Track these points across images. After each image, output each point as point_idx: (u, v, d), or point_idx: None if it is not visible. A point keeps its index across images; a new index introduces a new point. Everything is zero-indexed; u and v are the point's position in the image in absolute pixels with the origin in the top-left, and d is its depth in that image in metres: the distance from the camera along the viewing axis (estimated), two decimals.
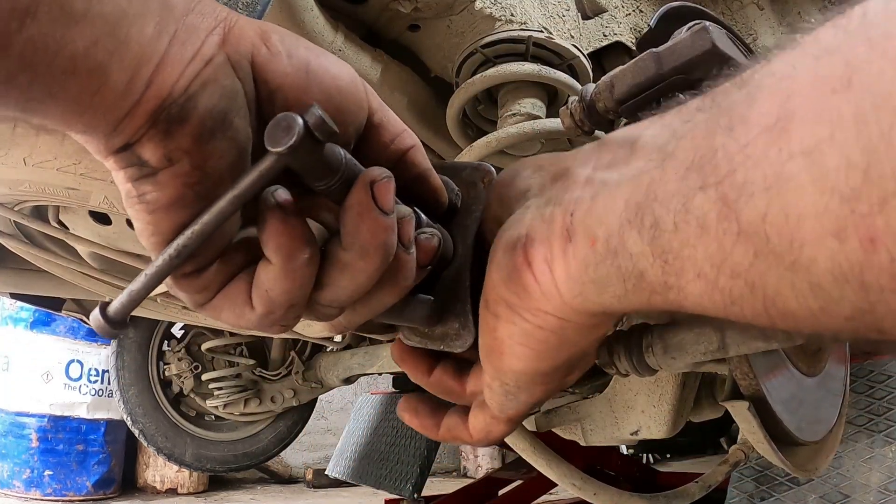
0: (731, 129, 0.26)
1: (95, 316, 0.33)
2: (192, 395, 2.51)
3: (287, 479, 5.35)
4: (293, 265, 0.36)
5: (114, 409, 3.88)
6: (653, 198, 0.29)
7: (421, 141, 1.42)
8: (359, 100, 0.40)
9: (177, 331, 2.53)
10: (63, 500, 3.93)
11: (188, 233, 0.34)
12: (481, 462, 5.62)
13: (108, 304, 0.33)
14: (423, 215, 0.43)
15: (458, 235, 0.45)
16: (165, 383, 2.53)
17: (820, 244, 0.23)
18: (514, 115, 1.10)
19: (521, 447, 0.70)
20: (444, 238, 0.43)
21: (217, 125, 0.35)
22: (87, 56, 0.31)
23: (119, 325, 0.33)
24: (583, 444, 0.90)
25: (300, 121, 0.31)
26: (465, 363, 0.47)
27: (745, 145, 0.25)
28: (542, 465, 0.70)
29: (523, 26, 1.08)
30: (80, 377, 4.01)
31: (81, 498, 4.00)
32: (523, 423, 0.88)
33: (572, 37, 1.15)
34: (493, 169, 0.47)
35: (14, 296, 1.93)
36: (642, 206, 0.30)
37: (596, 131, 0.63)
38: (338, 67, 0.40)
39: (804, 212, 0.23)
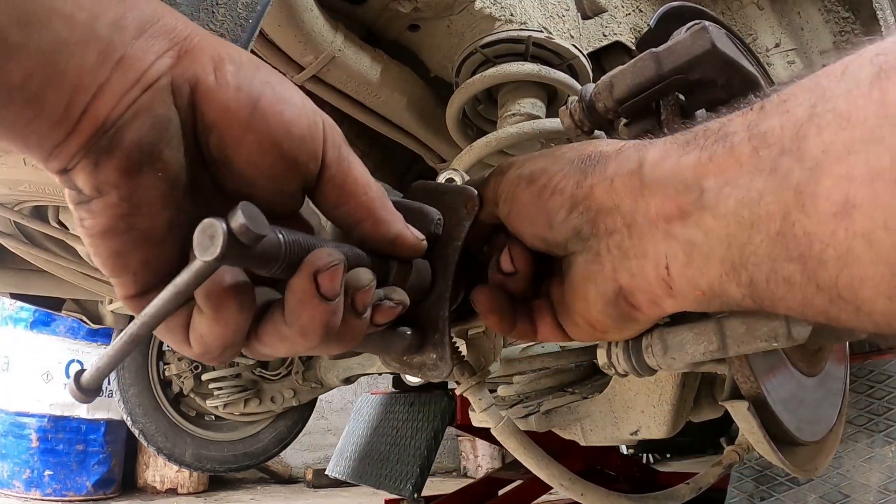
0: (803, 207, 0.32)
1: (70, 384, 0.34)
2: (192, 395, 2.51)
3: (287, 479, 5.35)
4: (223, 315, 0.35)
5: (114, 409, 3.88)
6: (746, 262, 0.36)
7: (421, 141, 1.41)
8: (311, 151, 0.37)
9: None
10: (63, 500, 3.93)
11: (138, 322, 0.33)
12: (481, 462, 5.61)
13: (81, 372, 0.34)
14: (392, 268, 0.41)
15: (438, 265, 0.44)
16: (165, 383, 2.53)
17: (876, 301, 0.31)
18: (513, 114, 1.10)
19: (512, 446, 0.70)
20: (420, 271, 0.42)
21: (145, 158, 0.33)
22: (22, 87, 0.30)
23: (92, 394, 0.34)
24: (582, 443, 0.90)
25: (222, 230, 0.30)
26: (530, 313, 0.50)
27: (819, 224, 0.32)
28: (532, 464, 0.70)
29: (523, 26, 1.08)
30: None
31: (81, 498, 4.00)
32: (516, 423, 0.87)
33: (572, 37, 1.15)
34: (476, 194, 0.46)
35: (14, 296, 1.93)
36: (738, 267, 0.36)
37: (595, 131, 0.63)
38: (294, 113, 0.36)
39: (865, 278, 0.31)
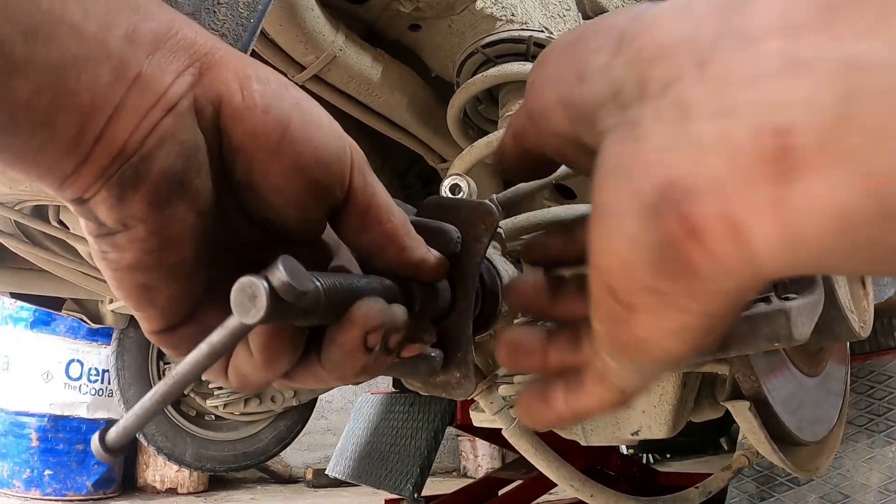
0: None
1: (95, 443, 0.32)
2: (192, 395, 2.51)
3: (287, 479, 5.35)
4: (274, 363, 0.34)
5: (114, 409, 3.88)
6: None
7: (422, 140, 1.42)
8: (339, 177, 0.34)
9: None
10: (63, 500, 3.93)
11: (169, 381, 0.31)
12: (481, 462, 5.62)
13: (107, 430, 0.32)
14: (416, 294, 0.39)
15: (457, 283, 0.43)
16: None
17: None
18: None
19: (524, 447, 0.70)
20: (442, 291, 0.41)
21: (174, 189, 0.31)
22: (29, 107, 0.28)
23: (118, 453, 0.32)
24: (583, 444, 0.90)
25: (265, 290, 0.28)
26: (575, 335, 0.38)
27: None
28: (543, 465, 0.70)
29: (524, 26, 1.08)
30: (81, 377, 4.02)
31: (81, 498, 4.01)
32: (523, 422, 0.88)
33: None
34: (495, 210, 0.44)
35: (14, 296, 1.93)
36: None
37: None
38: (324, 135, 0.34)
39: None
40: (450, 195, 0.52)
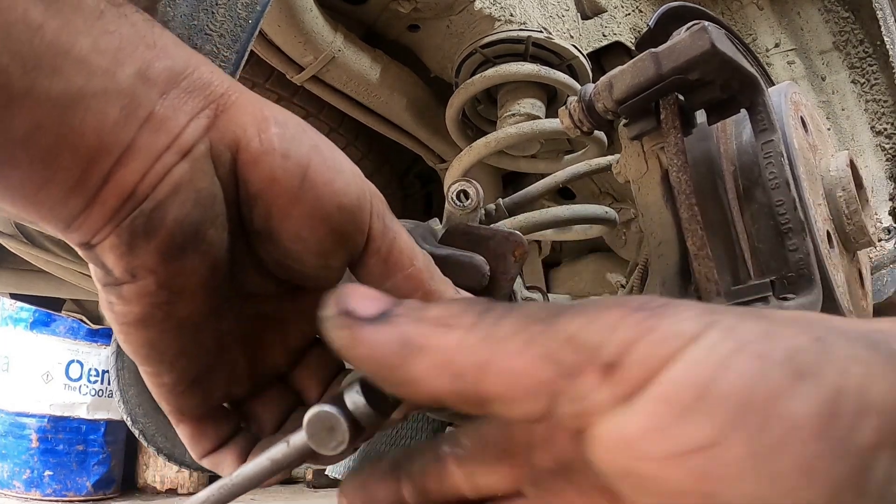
0: None
1: None
2: None
3: (287, 479, 5.35)
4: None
5: (114, 410, 3.88)
6: None
7: (421, 141, 1.41)
8: (360, 223, 0.32)
9: None
10: (63, 501, 3.93)
11: (222, 490, 0.29)
12: None
13: None
14: None
15: None
16: None
17: None
18: (513, 115, 1.10)
19: None
20: None
21: (188, 240, 0.29)
22: (27, 143, 0.26)
23: None
24: None
25: (344, 424, 0.26)
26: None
27: None
28: None
29: (523, 26, 1.08)
30: (80, 377, 4.01)
31: (81, 498, 4.00)
32: None
33: (572, 37, 1.15)
34: (525, 240, 0.43)
35: (14, 296, 1.93)
36: None
37: (595, 131, 0.63)
38: (344, 180, 0.32)
39: None
40: (457, 202, 0.51)
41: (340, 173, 0.32)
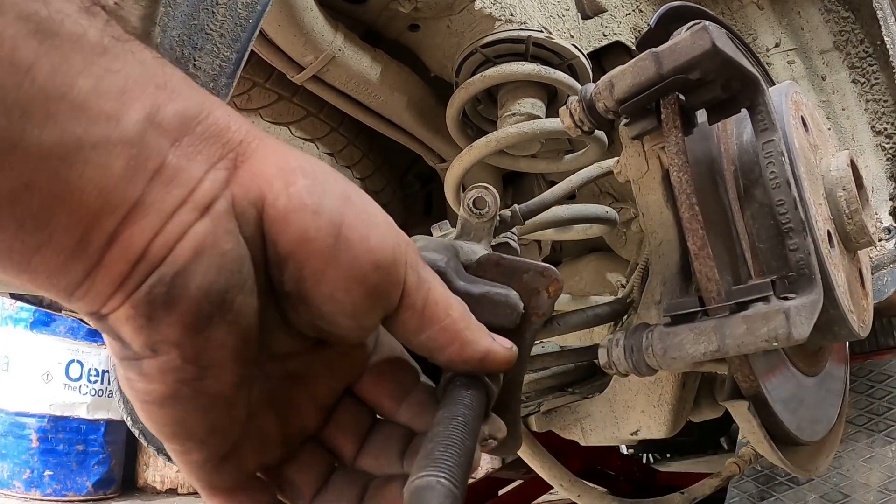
0: None
1: None
2: None
3: None
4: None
5: (114, 410, 3.88)
6: None
7: (421, 141, 1.41)
8: (396, 279, 0.30)
9: None
10: (63, 501, 3.93)
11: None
12: (481, 462, 5.62)
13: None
14: (490, 389, 0.37)
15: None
16: None
17: None
18: (513, 114, 1.10)
19: (521, 448, 0.70)
20: None
21: (214, 310, 0.26)
22: (15, 204, 0.22)
23: None
24: (582, 443, 0.90)
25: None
26: None
27: None
28: (538, 465, 0.70)
29: (523, 26, 1.08)
30: (80, 377, 4.01)
31: (81, 498, 4.00)
32: (525, 423, 0.88)
33: (572, 36, 1.15)
34: (560, 276, 0.42)
35: (14, 296, 1.92)
36: None
37: (596, 131, 0.63)
38: (380, 234, 0.29)
39: None
40: (473, 210, 0.50)
41: (375, 227, 0.29)
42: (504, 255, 0.43)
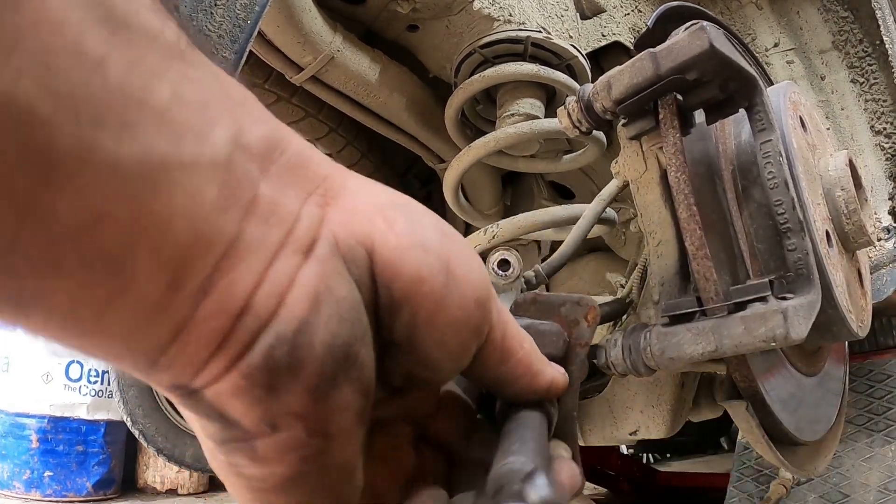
0: None
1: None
2: None
3: None
4: None
5: (114, 410, 3.88)
6: None
7: (420, 141, 1.41)
8: (490, 315, 0.28)
9: None
10: (63, 501, 3.93)
11: None
12: None
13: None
14: (552, 415, 0.37)
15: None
16: None
17: None
18: (512, 115, 1.10)
19: None
20: None
21: (340, 368, 0.22)
22: (81, 240, 0.17)
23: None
24: (582, 444, 0.90)
25: None
26: None
27: None
28: None
29: (522, 26, 1.08)
30: (80, 378, 4.01)
31: (82, 499, 4.00)
32: None
33: (571, 37, 1.15)
34: (597, 304, 0.42)
35: None
36: None
37: (594, 131, 0.63)
38: (476, 267, 0.27)
39: None
40: (498, 272, 0.51)
41: (473, 260, 0.27)
42: (539, 293, 0.44)
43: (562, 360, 0.40)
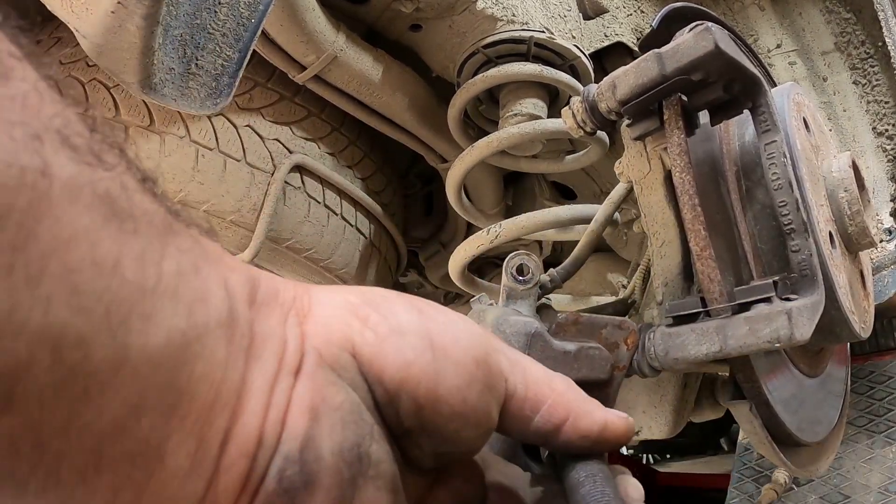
0: None
1: None
2: None
3: None
4: None
5: None
6: None
7: (422, 140, 1.41)
8: (497, 368, 0.28)
9: None
10: None
11: None
12: None
13: None
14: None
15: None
16: None
17: None
18: (515, 115, 1.10)
19: None
20: None
21: (355, 470, 0.23)
22: (121, 436, 0.17)
23: None
24: None
25: None
26: None
27: None
28: None
29: (525, 26, 1.08)
30: None
31: None
32: None
33: (574, 37, 1.15)
34: (636, 327, 0.43)
35: None
36: None
37: (598, 132, 0.63)
38: (461, 330, 0.27)
39: None
40: (517, 278, 0.50)
41: (455, 325, 0.27)
42: (581, 314, 0.44)
43: (606, 383, 0.39)
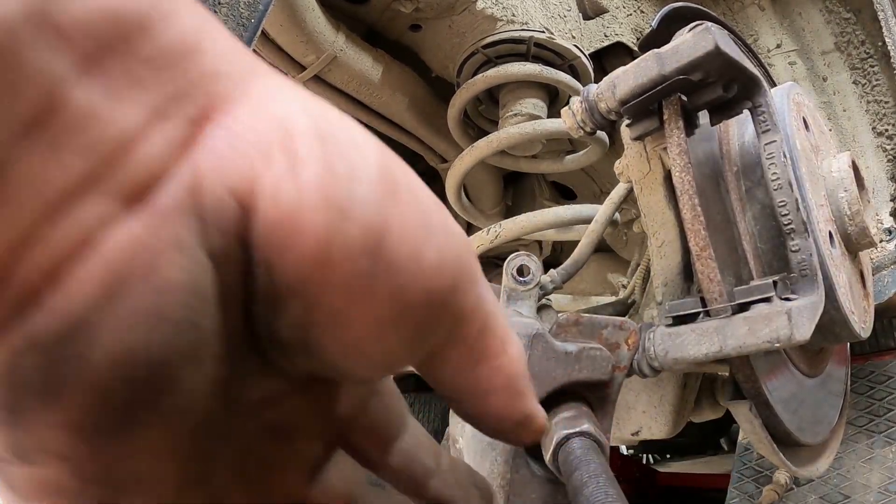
0: None
1: None
2: None
3: None
4: None
5: None
6: None
7: (422, 140, 1.41)
8: (454, 310, 0.19)
9: None
10: None
11: None
12: None
13: None
14: None
15: (596, 405, 0.41)
16: None
17: None
18: (515, 115, 1.11)
19: None
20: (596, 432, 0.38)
21: (138, 398, 0.14)
22: None
23: None
24: None
25: None
26: None
27: None
28: None
29: (524, 26, 1.08)
30: None
31: None
32: None
33: (573, 37, 1.15)
34: (637, 328, 0.43)
35: None
36: None
37: (597, 132, 0.63)
38: (437, 244, 0.18)
39: None
40: (518, 279, 0.50)
41: (432, 232, 0.17)
42: (582, 315, 0.43)
43: (606, 383, 0.40)
